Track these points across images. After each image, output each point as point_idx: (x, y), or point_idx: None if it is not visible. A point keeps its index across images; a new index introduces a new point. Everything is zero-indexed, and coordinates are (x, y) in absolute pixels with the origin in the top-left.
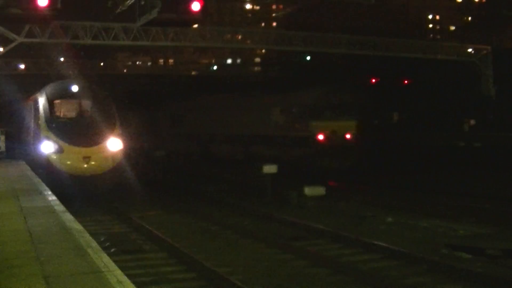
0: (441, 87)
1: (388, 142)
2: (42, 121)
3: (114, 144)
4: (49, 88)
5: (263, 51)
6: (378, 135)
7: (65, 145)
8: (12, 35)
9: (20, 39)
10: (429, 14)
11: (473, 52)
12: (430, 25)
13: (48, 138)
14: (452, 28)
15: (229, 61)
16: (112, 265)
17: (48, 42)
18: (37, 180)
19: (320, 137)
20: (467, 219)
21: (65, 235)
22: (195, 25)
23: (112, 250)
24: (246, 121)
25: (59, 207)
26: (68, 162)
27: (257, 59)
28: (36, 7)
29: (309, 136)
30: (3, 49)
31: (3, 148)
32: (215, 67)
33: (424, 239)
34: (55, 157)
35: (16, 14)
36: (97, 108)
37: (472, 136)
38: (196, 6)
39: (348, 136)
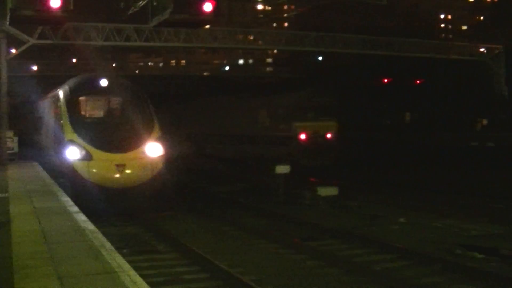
0: (453, 87)
1: (401, 142)
2: (65, 121)
3: (153, 149)
4: (73, 82)
5: (275, 51)
6: (390, 135)
7: (94, 151)
8: (25, 37)
9: (32, 41)
10: (441, 14)
11: (485, 51)
12: (442, 25)
13: (72, 142)
14: (464, 27)
15: (241, 61)
16: (126, 266)
17: (60, 43)
18: (50, 181)
19: (302, 136)
20: (480, 219)
21: (79, 236)
22: (207, 26)
23: (125, 250)
24: (237, 122)
25: (72, 207)
26: (98, 171)
27: (269, 60)
28: (48, 8)
29: (292, 136)
30: (16, 50)
31: (16, 149)
32: (227, 68)
33: (437, 239)
34: (81, 165)
35: (29, 15)
36: (131, 106)
37: (485, 136)
38: (208, 7)
39: (329, 135)
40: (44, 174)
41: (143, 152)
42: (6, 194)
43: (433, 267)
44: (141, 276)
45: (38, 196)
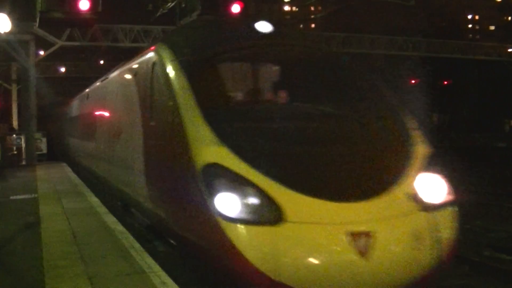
0: (481, 87)
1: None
2: (192, 119)
3: (431, 187)
4: (195, 33)
5: None
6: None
7: (290, 196)
8: (53, 39)
9: (60, 43)
10: (468, 14)
11: None
12: (470, 25)
13: (221, 170)
14: (492, 28)
15: None
16: (156, 266)
17: (88, 45)
18: (78, 181)
19: None
20: (509, 220)
21: (108, 236)
22: None
23: (155, 251)
24: None
25: (101, 208)
26: (305, 255)
27: None
28: (78, 10)
29: None
30: (44, 52)
31: (44, 150)
32: None
33: (465, 240)
34: (254, 235)
35: (58, 17)
36: (350, 88)
37: None
38: (236, 8)
39: None
40: (72, 175)
41: (413, 195)
42: (36, 195)
43: (461, 268)
44: (171, 276)
45: (67, 196)
